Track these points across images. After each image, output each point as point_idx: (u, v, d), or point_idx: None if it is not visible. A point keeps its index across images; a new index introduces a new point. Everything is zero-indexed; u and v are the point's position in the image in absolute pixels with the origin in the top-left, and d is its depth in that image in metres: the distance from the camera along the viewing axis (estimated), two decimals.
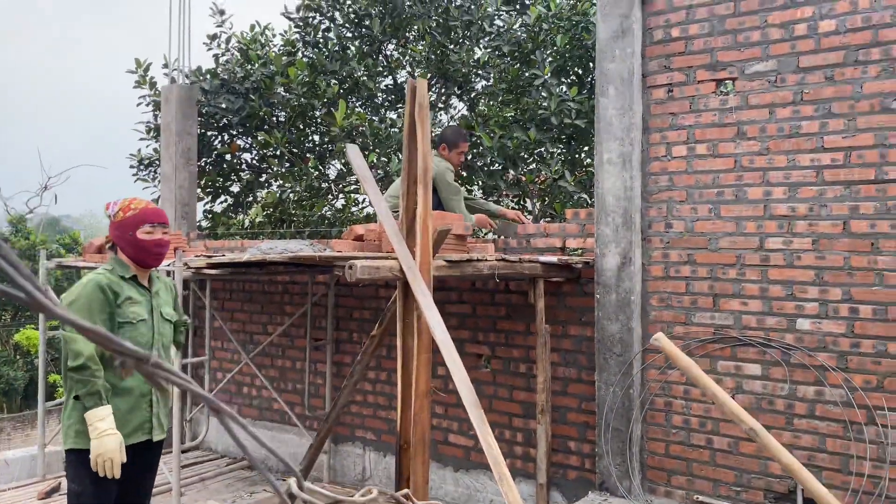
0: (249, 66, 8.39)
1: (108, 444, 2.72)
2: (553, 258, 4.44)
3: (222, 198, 9.77)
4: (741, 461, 4.03)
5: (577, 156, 8.04)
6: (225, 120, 8.78)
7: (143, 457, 3.05)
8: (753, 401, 3.97)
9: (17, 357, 14.06)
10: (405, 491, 0.89)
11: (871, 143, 3.76)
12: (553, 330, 4.72)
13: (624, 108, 4.41)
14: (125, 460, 2.80)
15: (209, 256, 5.55)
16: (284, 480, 0.86)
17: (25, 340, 14.15)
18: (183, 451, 6.32)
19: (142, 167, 9.50)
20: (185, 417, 6.79)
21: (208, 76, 8.42)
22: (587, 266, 4.59)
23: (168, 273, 6.14)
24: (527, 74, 7.59)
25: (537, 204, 8.57)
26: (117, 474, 2.76)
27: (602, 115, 4.50)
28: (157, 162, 9.30)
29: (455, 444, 5.27)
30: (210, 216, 9.70)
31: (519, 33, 7.80)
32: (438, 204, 5.11)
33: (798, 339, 3.89)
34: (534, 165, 8.01)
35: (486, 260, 4.10)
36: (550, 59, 7.55)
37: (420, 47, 8.40)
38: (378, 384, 5.82)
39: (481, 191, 8.10)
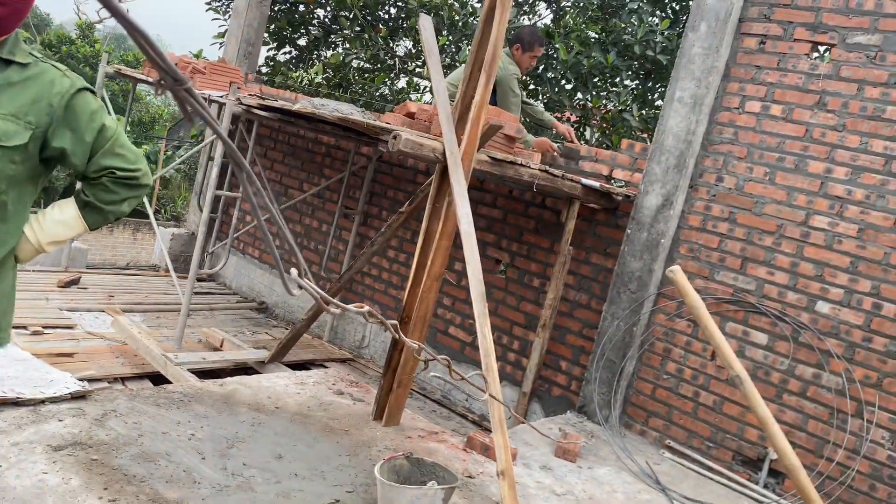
0: None
1: None
2: (596, 183, 4.39)
3: (287, 48, 9.70)
4: (721, 420, 4.10)
5: (649, 94, 7.80)
6: None
7: None
8: (751, 367, 4.00)
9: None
10: (394, 322, 0.93)
11: None
12: (576, 254, 4.73)
13: (710, 49, 4.23)
14: None
15: (262, 98, 5.57)
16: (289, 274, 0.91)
17: None
18: (198, 280, 6.57)
19: None
20: (208, 249, 7.02)
21: None
22: (627, 200, 4.54)
23: (220, 105, 6.18)
24: None
25: (596, 133, 8.40)
26: None
27: (686, 51, 4.33)
28: None
29: (453, 337, 5.41)
30: (271, 64, 9.67)
31: None
32: (494, 104, 5.02)
33: (813, 320, 3.86)
34: (604, 93, 7.80)
35: (529, 167, 4.08)
36: None
37: None
38: (395, 264, 5.93)
39: (543, 105, 7.94)
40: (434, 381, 5.42)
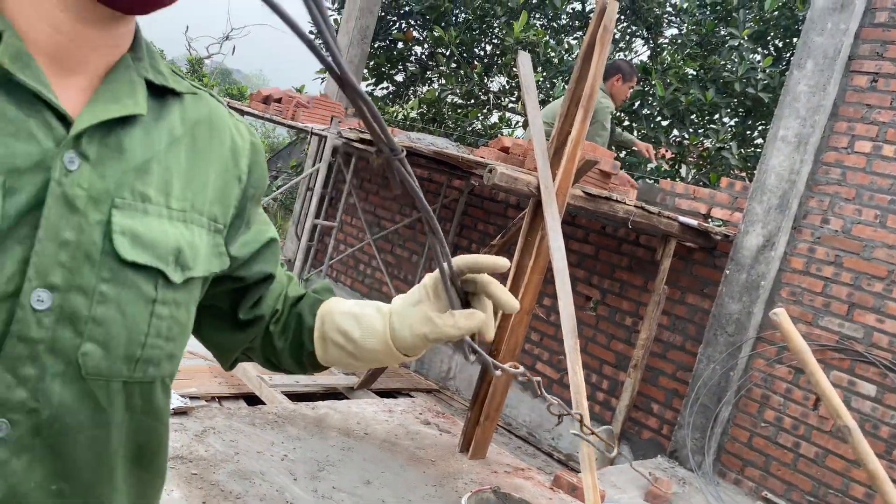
0: None
1: None
2: (693, 221, 4.30)
3: (384, 84, 10.01)
4: (823, 474, 3.87)
5: (749, 132, 7.59)
6: (407, 7, 8.89)
7: None
8: (858, 419, 3.77)
9: None
10: (538, 379, 0.94)
11: None
12: (670, 293, 4.62)
13: (817, 87, 4.10)
14: None
15: (361, 132, 5.77)
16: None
17: None
18: None
19: (320, 36, 9.86)
20: (303, 276, 7.26)
21: None
22: (725, 239, 4.42)
23: (321, 138, 6.41)
24: (722, 32, 7.15)
25: (692, 171, 8.23)
26: None
27: (790, 89, 4.21)
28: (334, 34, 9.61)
29: (541, 373, 5.35)
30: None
31: None
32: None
33: None
34: (701, 130, 7.65)
35: (624, 203, 4.04)
36: (752, 22, 7.06)
37: None
38: None
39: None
40: (520, 416, 5.38)
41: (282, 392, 4.60)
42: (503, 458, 3.77)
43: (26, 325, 0.61)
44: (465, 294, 0.83)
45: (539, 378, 0.99)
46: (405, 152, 0.69)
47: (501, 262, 0.80)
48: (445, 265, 0.79)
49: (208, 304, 0.85)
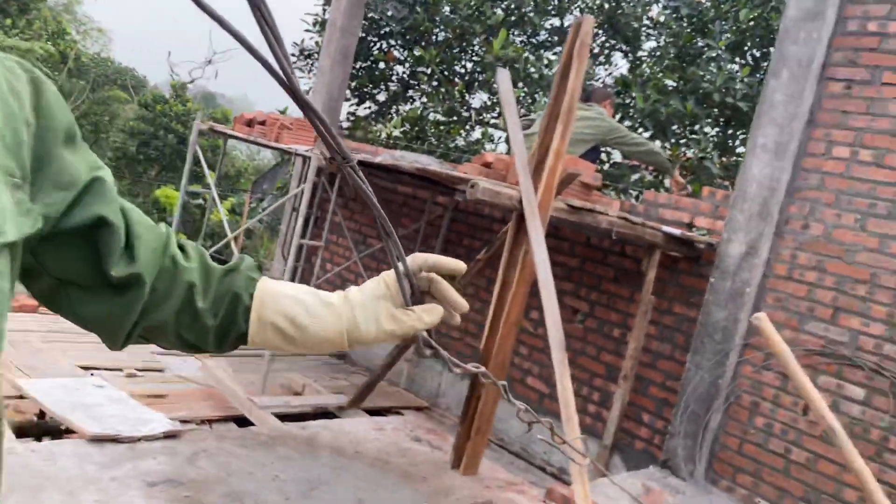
0: None
1: None
2: (677, 231, 4.34)
3: (367, 104, 10.06)
4: (816, 479, 3.89)
5: (730, 141, 7.69)
6: (387, 28, 8.95)
7: None
8: (847, 423, 3.80)
9: (154, 212, 15.25)
10: (503, 382, 0.97)
11: None
12: (657, 303, 4.65)
13: (793, 95, 4.17)
14: None
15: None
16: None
17: (164, 198, 15.26)
18: None
19: (301, 57, 9.91)
20: None
21: None
22: (710, 248, 4.46)
23: (305, 159, 6.41)
24: (699, 44, 7.26)
25: None
26: None
27: (767, 98, 4.27)
28: (316, 55, 9.66)
29: (531, 387, 5.35)
30: (352, 118, 10.03)
31: None
32: (595, 161, 5.24)
33: None
34: (682, 140, 7.73)
35: (607, 214, 4.07)
36: (729, 33, 7.17)
37: None
38: (471, 312, 5.96)
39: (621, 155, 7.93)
40: (512, 431, 5.36)
41: (272, 413, 4.57)
42: (496, 473, 3.77)
43: None
44: (420, 292, 0.88)
45: (504, 382, 1.01)
46: (357, 160, 0.73)
47: (460, 265, 0.86)
48: (400, 264, 0.84)
49: (65, 277, 0.76)
